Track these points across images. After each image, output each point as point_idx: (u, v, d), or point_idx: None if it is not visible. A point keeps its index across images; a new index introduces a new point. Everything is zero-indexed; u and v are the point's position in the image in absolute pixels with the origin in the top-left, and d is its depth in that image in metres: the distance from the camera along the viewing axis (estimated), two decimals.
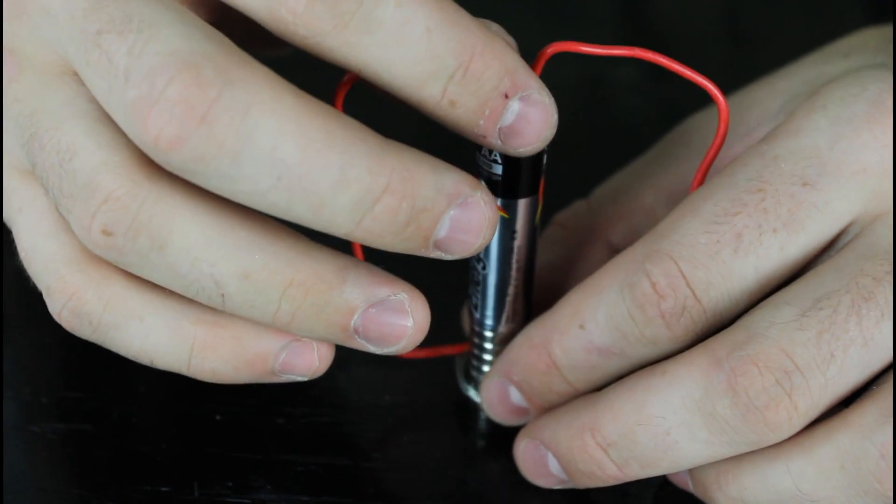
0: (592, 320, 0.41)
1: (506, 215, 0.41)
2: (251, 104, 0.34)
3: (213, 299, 0.37)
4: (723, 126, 0.40)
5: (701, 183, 0.42)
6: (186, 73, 0.34)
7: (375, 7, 0.35)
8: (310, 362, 0.39)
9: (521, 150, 0.38)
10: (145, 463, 0.43)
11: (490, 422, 0.45)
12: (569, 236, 0.47)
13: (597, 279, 0.41)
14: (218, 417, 0.45)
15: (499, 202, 0.41)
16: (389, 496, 0.43)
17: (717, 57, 0.63)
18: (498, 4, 0.64)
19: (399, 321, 0.38)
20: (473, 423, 0.46)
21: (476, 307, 0.44)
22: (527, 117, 0.37)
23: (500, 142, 0.38)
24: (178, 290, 0.37)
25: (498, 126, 0.37)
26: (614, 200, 0.47)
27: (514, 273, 0.43)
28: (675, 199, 0.43)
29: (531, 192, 0.41)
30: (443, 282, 0.51)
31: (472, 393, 0.46)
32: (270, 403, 0.46)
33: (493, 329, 0.44)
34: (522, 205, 0.41)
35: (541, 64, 0.39)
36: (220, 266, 0.36)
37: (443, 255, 0.37)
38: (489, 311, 0.44)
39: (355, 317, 0.37)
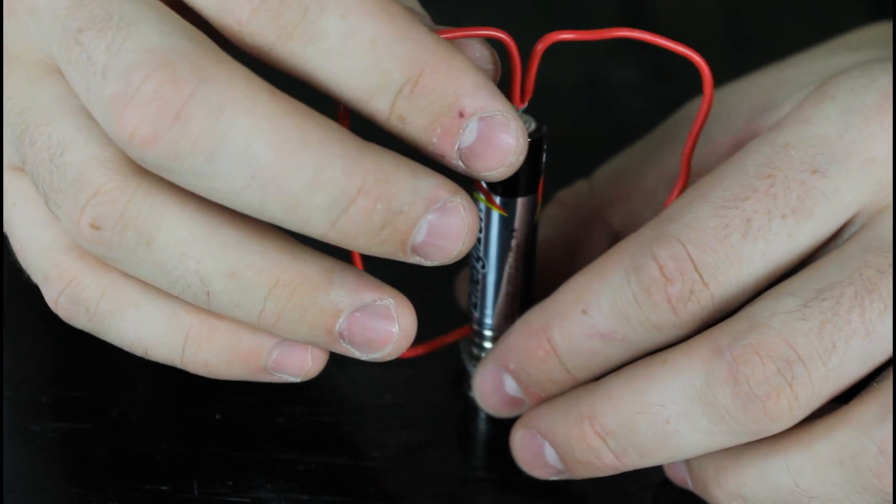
0: (596, 305, 0.40)
1: (505, 213, 0.41)
2: (226, 102, 0.34)
3: (199, 297, 0.37)
4: (708, 91, 0.40)
5: (691, 153, 0.42)
6: (162, 70, 0.34)
7: (319, 17, 0.35)
8: (302, 362, 0.39)
9: (484, 173, 0.37)
10: (145, 462, 0.43)
11: (490, 421, 0.45)
12: (568, 214, 0.47)
13: (601, 264, 0.41)
14: (217, 416, 0.45)
15: (498, 201, 0.41)
16: (389, 495, 0.43)
17: (718, 57, 0.63)
18: (497, 5, 0.64)
19: (385, 326, 0.38)
20: (473, 422, 0.46)
21: (475, 306, 0.44)
22: (488, 139, 0.37)
23: (461, 164, 0.37)
24: (165, 287, 0.37)
25: (456, 147, 0.37)
26: (615, 181, 0.47)
27: (513, 272, 0.43)
28: (676, 182, 0.43)
29: (530, 190, 0.41)
30: (441, 281, 0.51)
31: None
32: (270, 402, 0.46)
33: (493, 328, 0.44)
34: (522, 203, 0.41)
35: (535, 61, 0.39)
36: (205, 263, 0.36)
37: (422, 260, 0.37)
38: (488, 310, 0.44)
39: (340, 320, 0.37)
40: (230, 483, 0.43)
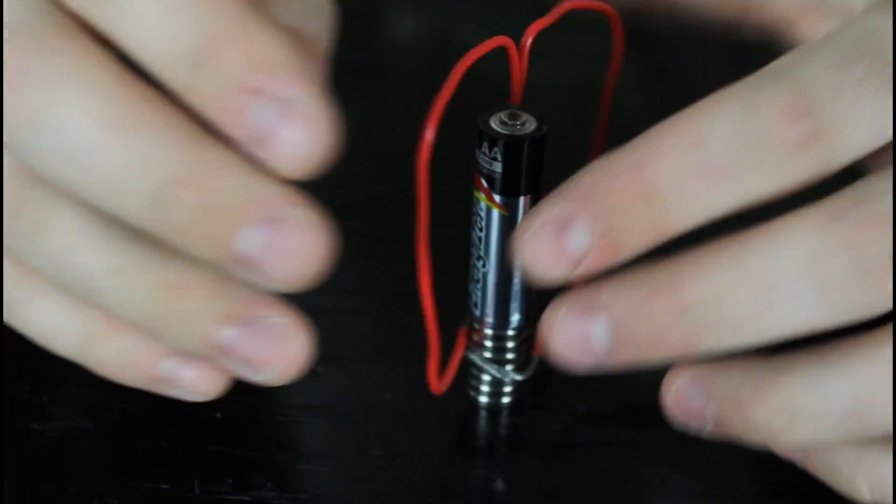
0: (711, 138, 0.36)
1: (505, 213, 0.41)
2: (60, 76, 0.33)
3: (89, 293, 0.36)
4: (619, 39, 0.41)
5: (610, 102, 0.41)
6: (8, 41, 0.33)
7: None
8: (197, 379, 0.38)
9: (284, 168, 0.33)
10: (146, 460, 0.43)
11: (492, 420, 0.45)
12: None
13: (719, 98, 0.37)
14: (218, 415, 0.45)
15: (498, 199, 0.41)
16: (390, 493, 0.43)
17: (715, 55, 0.63)
18: (494, 9, 0.64)
19: (275, 345, 0.35)
20: (475, 421, 0.46)
21: (476, 305, 0.44)
22: (281, 125, 0.33)
23: (260, 153, 0.33)
24: (57, 280, 0.36)
25: (248, 131, 0.33)
26: None
27: (514, 270, 0.43)
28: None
29: (531, 190, 0.41)
30: (441, 279, 0.51)
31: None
32: (271, 401, 0.46)
33: (494, 327, 0.44)
34: (522, 203, 0.41)
35: (524, 55, 0.39)
36: (92, 257, 0.35)
37: (256, 277, 0.33)
38: (489, 310, 0.44)
39: (227, 332, 0.35)
40: (231, 481, 0.43)
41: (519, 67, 0.39)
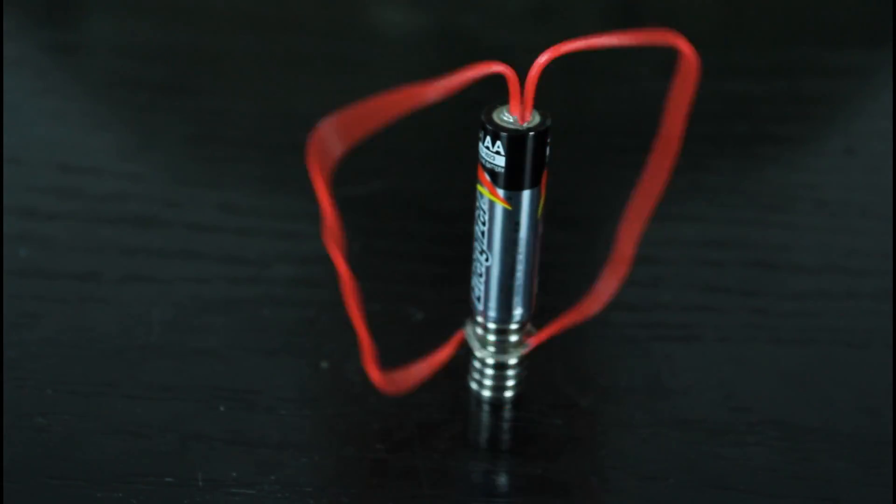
0: None
1: (509, 207, 0.41)
2: None
3: None
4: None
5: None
6: None
7: None
8: None
9: None
10: (149, 454, 0.44)
11: (495, 414, 0.45)
12: None
13: None
14: (222, 409, 0.45)
15: (501, 194, 0.41)
16: (394, 487, 0.43)
17: (709, 53, 0.63)
18: (486, 9, 0.64)
19: None
20: (479, 415, 0.46)
21: (479, 299, 0.44)
22: None
23: None
24: None
25: None
26: None
27: (517, 264, 0.43)
28: None
29: (534, 184, 0.41)
30: (442, 275, 0.51)
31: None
32: (274, 395, 0.46)
33: (497, 320, 0.44)
34: (525, 196, 0.41)
35: (536, 73, 0.39)
36: None
37: None
38: (493, 303, 0.44)
39: None
40: (235, 475, 0.43)
41: (518, 94, 0.39)
